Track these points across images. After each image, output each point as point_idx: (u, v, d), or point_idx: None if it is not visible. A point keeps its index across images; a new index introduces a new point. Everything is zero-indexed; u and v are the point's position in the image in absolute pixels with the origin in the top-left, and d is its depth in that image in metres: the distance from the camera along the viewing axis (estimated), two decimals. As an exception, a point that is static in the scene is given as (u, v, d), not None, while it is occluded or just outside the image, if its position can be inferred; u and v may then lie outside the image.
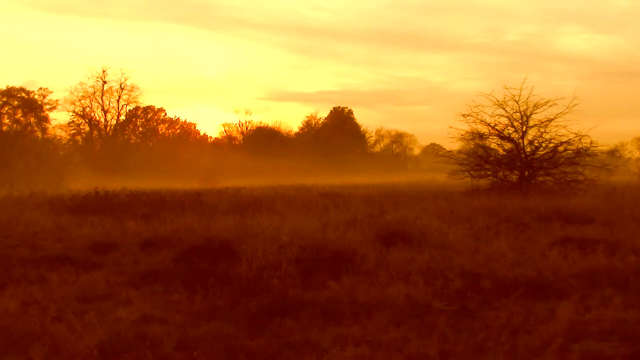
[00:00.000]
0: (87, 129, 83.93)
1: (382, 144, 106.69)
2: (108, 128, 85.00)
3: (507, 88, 27.35)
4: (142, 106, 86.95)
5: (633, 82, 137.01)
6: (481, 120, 28.04)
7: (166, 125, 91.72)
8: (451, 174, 28.66)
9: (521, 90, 27.16)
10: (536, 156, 27.70)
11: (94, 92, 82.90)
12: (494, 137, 28.51)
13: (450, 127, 29.26)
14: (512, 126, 27.83)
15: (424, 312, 7.11)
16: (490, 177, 27.74)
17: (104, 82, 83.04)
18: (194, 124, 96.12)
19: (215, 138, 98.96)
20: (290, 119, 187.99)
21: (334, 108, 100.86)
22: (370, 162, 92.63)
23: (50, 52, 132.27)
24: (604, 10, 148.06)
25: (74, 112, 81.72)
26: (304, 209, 17.96)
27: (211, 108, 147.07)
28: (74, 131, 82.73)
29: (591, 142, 27.14)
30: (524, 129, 27.72)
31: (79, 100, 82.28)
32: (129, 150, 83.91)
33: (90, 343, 5.68)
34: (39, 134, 66.93)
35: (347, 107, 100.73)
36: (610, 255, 9.76)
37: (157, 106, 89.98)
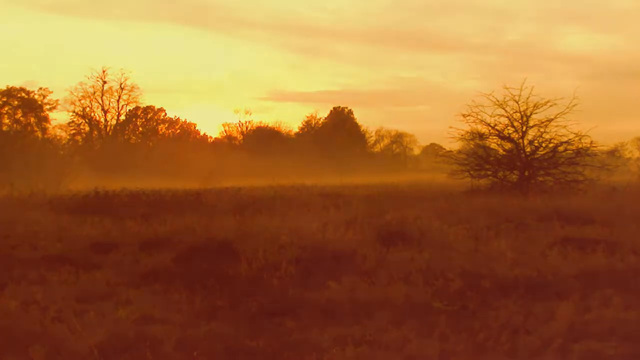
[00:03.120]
0: (87, 129, 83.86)
1: (382, 144, 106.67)
2: (108, 128, 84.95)
3: (507, 88, 27.40)
4: (142, 106, 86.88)
5: (633, 82, 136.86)
6: (481, 120, 28.08)
7: (166, 125, 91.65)
8: (451, 174, 28.69)
9: (521, 90, 27.20)
10: (536, 156, 27.72)
11: (94, 92, 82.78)
12: (494, 137, 28.55)
13: (450, 127, 29.26)
14: (512, 126, 27.85)
15: (424, 312, 7.10)
16: (490, 177, 27.75)
17: (104, 82, 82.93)
18: (194, 124, 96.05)
19: (215, 138, 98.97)
20: (290, 119, 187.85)
21: (334, 108, 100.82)
22: (370, 162, 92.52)
23: (50, 52, 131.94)
24: (604, 10, 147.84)
25: (74, 112, 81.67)
26: (304, 209, 17.96)
27: (211, 108, 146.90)
28: (74, 131, 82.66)
29: (591, 142, 27.19)
30: (524, 129, 27.74)
31: (79, 100, 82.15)
32: (129, 150, 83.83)
33: (90, 343, 5.68)
34: (39, 134, 66.90)
35: (347, 107, 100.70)
36: (610, 255, 9.77)
37: (157, 106, 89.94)
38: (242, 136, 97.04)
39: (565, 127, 27.01)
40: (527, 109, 27.46)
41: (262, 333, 6.51)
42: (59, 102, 72.47)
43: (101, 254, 11.52)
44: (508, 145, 28.28)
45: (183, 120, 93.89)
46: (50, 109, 69.80)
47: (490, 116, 27.92)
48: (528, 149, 27.75)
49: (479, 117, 27.90)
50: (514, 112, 27.63)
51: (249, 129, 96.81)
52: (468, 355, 5.66)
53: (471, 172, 27.73)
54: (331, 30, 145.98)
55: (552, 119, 27.18)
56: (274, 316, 7.11)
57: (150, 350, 5.67)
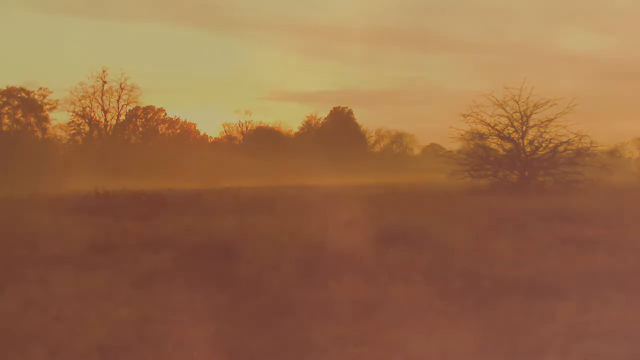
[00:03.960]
0: (87, 129, 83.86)
1: (382, 144, 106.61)
2: (108, 128, 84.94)
3: (507, 88, 27.49)
4: (142, 106, 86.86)
5: (633, 82, 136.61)
6: (481, 120, 28.15)
7: (166, 125, 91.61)
8: (451, 174, 28.72)
9: (521, 90, 27.30)
10: (536, 156, 27.78)
11: (94, 92, 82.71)
12: (494, 137, 28.63)
13: (451, 127, 29.46)
14: (512, 126, 27.94)
15: (424, 312, 7.10)
16: (490, 177, 27.80)
17: (104, 82, 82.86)
18: (194, 124, 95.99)
19: (215, 138, 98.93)
20: (290, 119, 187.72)
21: (334, 108, 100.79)
22: (370, 162, 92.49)
23: (50, 52, 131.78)
24: (604, 10, 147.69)
25: (74, 112, 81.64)
26: (304, 209, 17.95)
27: (211, 108, 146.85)
28: (74, 131, 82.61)
29: (591, 142, 27.27)
30: (524, 129, 27.84)
31: (79, 100, 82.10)
32: (129, 150, 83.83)
33: (90, 343, 5.68)
34: (39, 134, 66.85)
35: (347, 107, 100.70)
36: (610, 255, 9.76)
37: (157, 106, 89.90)
38: (242, 136, 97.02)
39: (565, 127, 27.16)
40: (527, 109, 27.59)
41: (262, 333, 6.50)
42: (59, 102, 72.30)
43: (101, 254, 11.51)
44: (508, 145, 28.37)
45: (183, 120, 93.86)
46: (50, 109, 69.62)
47: (491, 116, 28.07)
48: (528, 149, 27.83)
49: (479, 117, 28.02)
50: (514, 112, 27.76)
51: (249, 129, 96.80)
52: (468, 355, 5.66)
53: (471, 172, 27.78)
54: (331, 30, 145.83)
55: (552, 119, 27.31)
56: (274, 316, 7.11)
57: (150, 350, 5.67)
